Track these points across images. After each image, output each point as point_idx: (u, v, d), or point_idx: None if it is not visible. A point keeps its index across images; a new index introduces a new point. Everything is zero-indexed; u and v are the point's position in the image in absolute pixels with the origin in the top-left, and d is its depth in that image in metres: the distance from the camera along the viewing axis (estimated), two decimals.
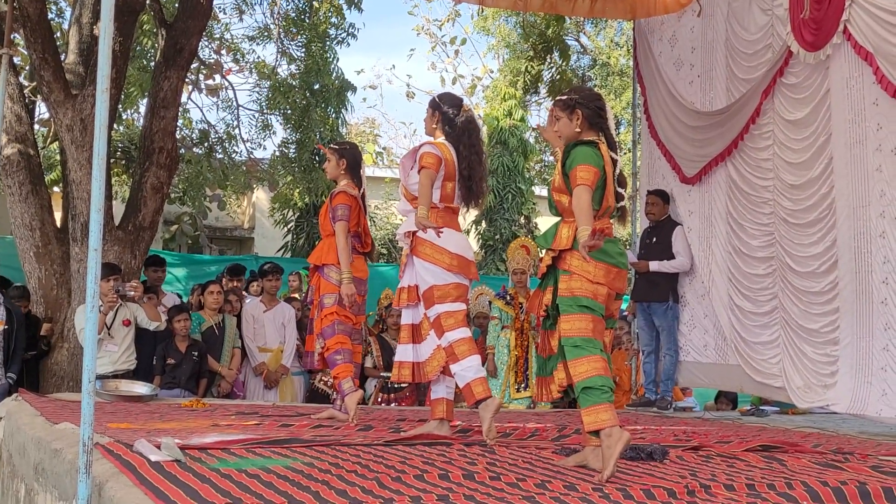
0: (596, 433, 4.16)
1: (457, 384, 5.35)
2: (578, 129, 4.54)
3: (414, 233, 5.42)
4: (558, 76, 12.39)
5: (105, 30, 3.80)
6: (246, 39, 14.87)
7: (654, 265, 9.11)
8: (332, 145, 6.86)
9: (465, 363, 5.27)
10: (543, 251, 4.62)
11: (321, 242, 6.67)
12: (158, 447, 3.95)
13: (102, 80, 3.71)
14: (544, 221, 22.28)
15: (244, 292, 10.31)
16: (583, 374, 4.17)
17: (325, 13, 14.23)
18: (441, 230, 5.36)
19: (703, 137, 9.11)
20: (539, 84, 12.76)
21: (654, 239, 9.31)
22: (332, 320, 6.42)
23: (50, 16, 10.07)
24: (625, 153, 19.53)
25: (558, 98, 4.68)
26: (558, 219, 4.62)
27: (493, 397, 5.26)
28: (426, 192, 5.36)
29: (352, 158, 6.74)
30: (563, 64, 13.13)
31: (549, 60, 12.38)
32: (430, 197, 5.37)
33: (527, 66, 12.78)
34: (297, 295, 11.25)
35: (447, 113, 5.69)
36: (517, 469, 4.10)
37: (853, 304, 7.30)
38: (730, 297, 8.76)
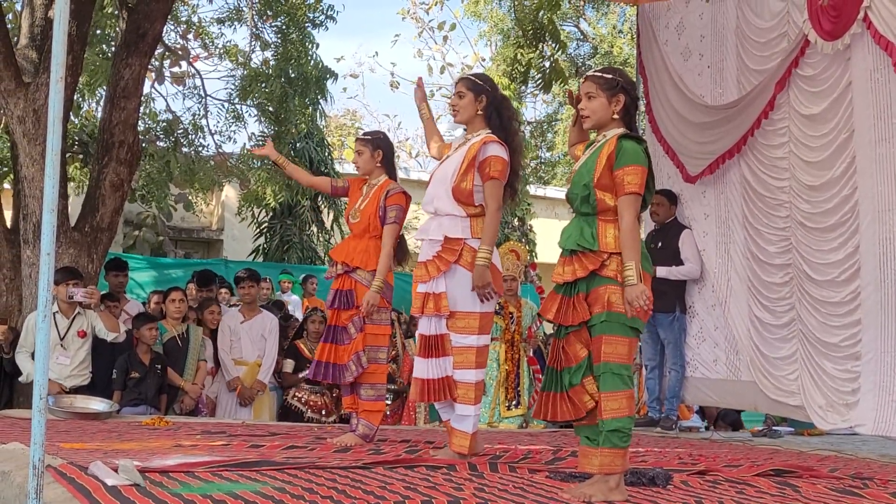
0: None
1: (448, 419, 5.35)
2: (616, 116, 4.39)
3: (464, 240, 5.27)
4: (549, 66, 12.28)
5: (60, 12, 3.78)
6: (215, 22, 14.80)
7: (662, 271, 8.95)
8: (363, 135, 6.46)
9: (478, 408, 5.31)
10: (572, 252, 4.33)
11: (360, 243, 6.26)
12: (116, 470, 3.93)
13: (57, 67, 3.69)
14: (540, 224, 22.26)
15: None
16: (615, 413, 4.09)
17: None
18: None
19: (711, 133, 9.08)
20: (531, 71, 12.62)
21: (660, 243, 9.24)
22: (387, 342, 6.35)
23: None
24: None
25: (597, 74, 4.43)
26: (575, 217, 4.43)
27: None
28: (494, 222, 5.24)
29: (388, 148, 6.41)
30: (560, 51, 13.05)
31: (540, 48, 12.28)
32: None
33: (516, 54, 12.68)
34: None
35: (497, 98, 5.47)
36: (507, 495, 4.08)
37: (877, 315, 7.31)
38: (749, 308, 8.72)
